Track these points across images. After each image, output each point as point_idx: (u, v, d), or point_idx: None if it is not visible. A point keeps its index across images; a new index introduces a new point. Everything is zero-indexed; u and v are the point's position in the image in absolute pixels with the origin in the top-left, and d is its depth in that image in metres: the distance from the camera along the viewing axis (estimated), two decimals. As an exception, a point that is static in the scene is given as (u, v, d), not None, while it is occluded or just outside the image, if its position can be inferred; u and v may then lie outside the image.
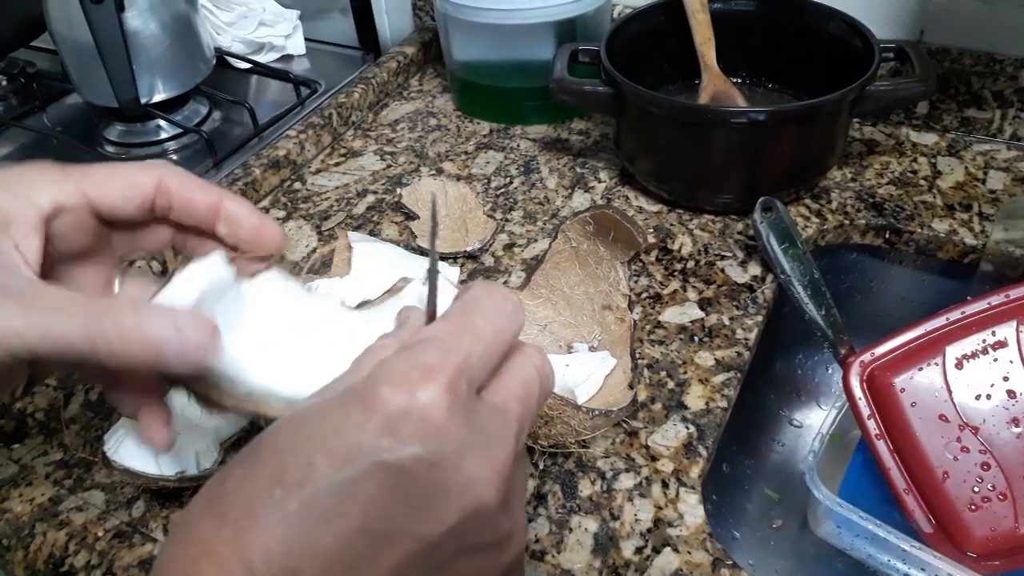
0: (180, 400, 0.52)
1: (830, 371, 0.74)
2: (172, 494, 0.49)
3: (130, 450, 0.46)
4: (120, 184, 0.38)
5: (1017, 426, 0.53)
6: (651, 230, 0.67)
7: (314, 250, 0.68)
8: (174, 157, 0.83)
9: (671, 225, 0.67)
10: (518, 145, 0.79)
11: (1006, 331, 0.54)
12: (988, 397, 0.53)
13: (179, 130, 0.84)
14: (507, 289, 0.32)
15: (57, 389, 0.57)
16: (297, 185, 0.76)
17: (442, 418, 0.26)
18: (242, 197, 0.41)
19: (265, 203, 0.74)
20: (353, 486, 0.25)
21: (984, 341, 0.54)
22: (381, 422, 0.26)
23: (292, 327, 0.43)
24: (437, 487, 0.26)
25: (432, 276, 0.32)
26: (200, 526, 0.26)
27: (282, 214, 0.73)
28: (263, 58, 0.98)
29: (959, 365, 0.54)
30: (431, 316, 0.32)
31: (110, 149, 0.85)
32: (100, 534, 0.47)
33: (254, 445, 0.28)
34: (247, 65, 0.95)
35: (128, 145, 0.85)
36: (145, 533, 0.47)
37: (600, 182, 0.73)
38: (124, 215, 0.38)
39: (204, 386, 0.40)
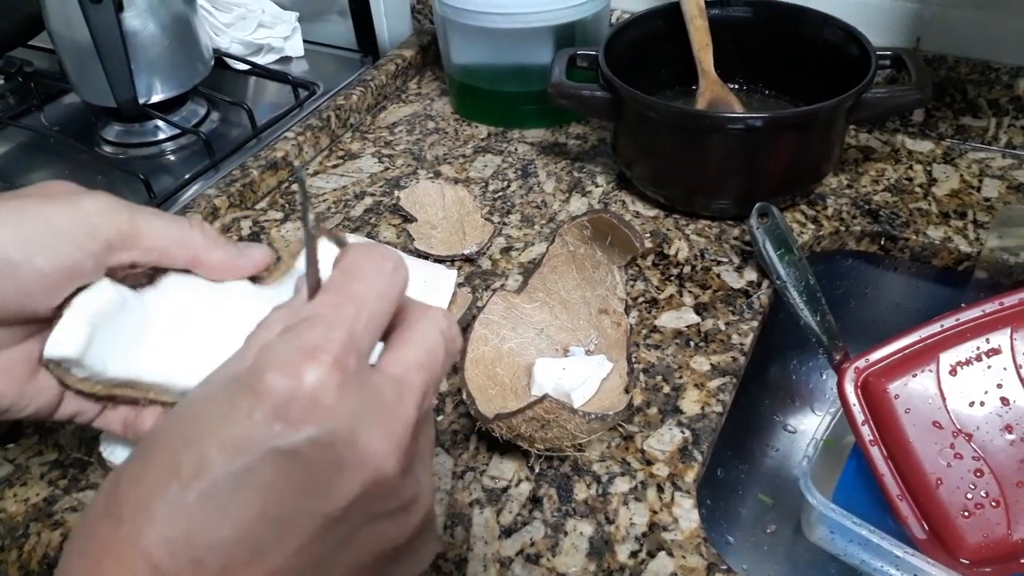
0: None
1: (824, 377, 0.74)
2: (167, 495, 0.49)
3: (126, 451, 0.46)
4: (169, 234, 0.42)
5: (1010, 433, 0.53)
6: (648, 235, 0.67)
7: (311, 252, 0.68)
8: (172, 158, 0.83)
9: (667, 230, 0.68)
10: (516, 149, 0.80)
11: (1000, 338, 0.54)
12: (982, 404, 0.53)
13: (177, 131, 0.84)
14: (385, 247, 0.31)
15: (53, 389, 0.57)
16: (295, 187, 0.76)
17: (331, 397, 0.26)
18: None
19: (263, 204, 0.74)
20: (249, 474, 0.25)
21: (978, 348, 0.54)
22: (270, 409, 0.26)
23: (205, 320, 0.43)
24: (333, 465, 0.26)
25: (310, 247, 0.30)
26: (99, 528, 0.26)
27: (279, 216, 0.73)
28: (261, 60, 0.98)
29: (953, 372, 0.54)
30: (313, 290, 0.31)
31: (108, 149, 0.85)
32: (95, 534, 0.47)
33: (145, 442, 0.27)
34: (245, 66, 0.95)
35: (126, 145, 0.85)
36: (140, 534, 0.47)
37: (597, 186, 0.73)
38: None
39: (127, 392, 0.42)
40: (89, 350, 0.40)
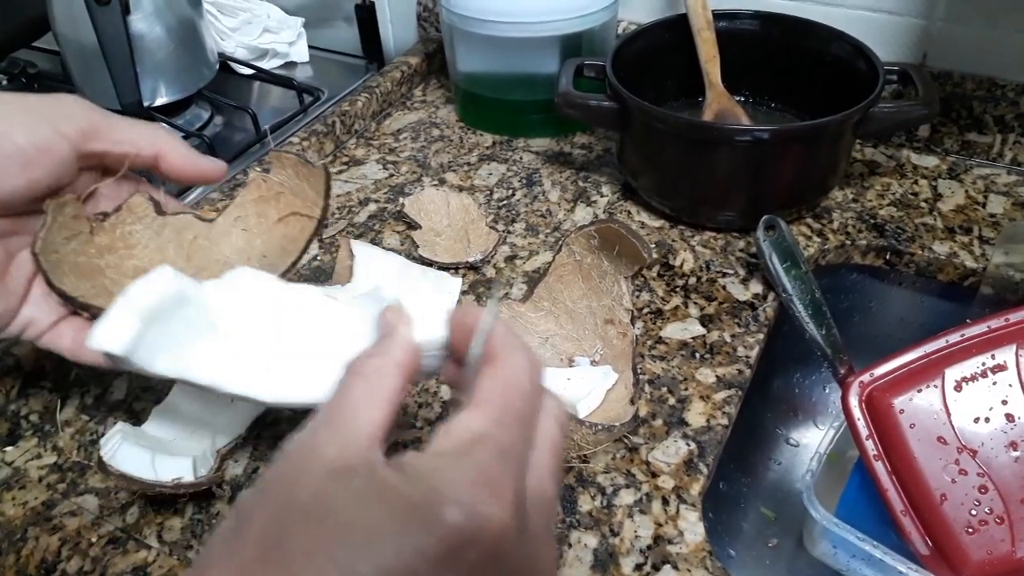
0: (183, 404, 0.52)
1: (827, 391, 0.74)
2: (167, 501, 0.48)
3: (127, 455, 0.46)
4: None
5: (1015, 450, 0.53)
6: (653, 245, 0.67)
7: (315, 257, 0.68)
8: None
9: (673, 241, 0.67)
10: (521, 158, 0.80)
11: (1005, 355, 0.54)
12: (987, 420, 0.53)
13: (181, 134, 0.84)
14: (531, 351, 0.30)
15: (52, 391, 0.57)
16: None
17: (511, 545, 0.24)
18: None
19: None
20: None
21: (983, 364, 0.54)
22: (446, 550, 0.23)
23: (267, 324, 0.40)
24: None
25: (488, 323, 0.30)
26: None
27: (283, 221, 0.73)
28: (266, 64, 0.98)
29: (958, 388, 0.54)
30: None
31: (111, 151, 0.84)
32: (94, 540, 0.47)
33: (277, 544, 0.24)
34: (250, 71, 0.95)
35: (129, 148, 0.84)
36: (139, 540, 0.47)
37: (602, 196, 0.73)
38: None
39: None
40: (139, 347, 0.37)
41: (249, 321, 0.40)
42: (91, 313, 0.45)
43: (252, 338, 0.40)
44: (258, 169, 0.56)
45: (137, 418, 0.54)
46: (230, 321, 0.40)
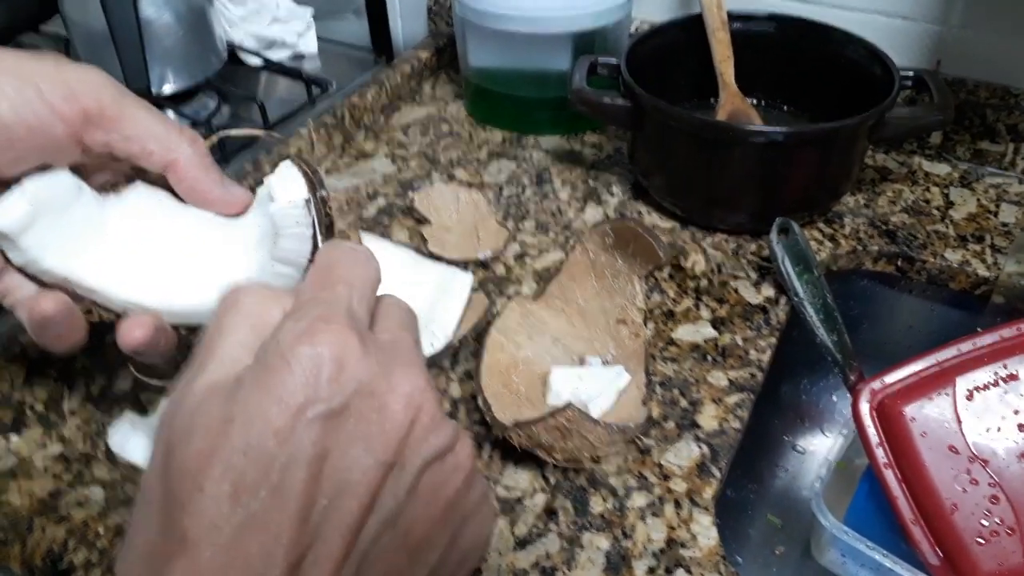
0: None
1: (835, 398, 0.74)
2: (174, 493, 0.48)
3: (136, 445, 0.45)
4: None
5: (1026, 460, 0.52)
6: (667, 243, 0.66)
7: (323, 251, 0.67)
8: (181, 150, 0.82)
9: (684, 242, 0.67)
10: (531, 155, 0.79)
11: (1017, 365, 0.54)
12: (998, 430, 0.53)
13: (187, 123, 0.83)
14: (352, 243, 0.33)
15: (58, 381, 0.56)
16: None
17: (357, 351, 0.27)
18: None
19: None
20: (311, 448, 0.25)
21: (996, 374, 0.54)
22: (304, 380, 0.26)
23: (159, 238, 0.43)
24: (377, 411, 0.27)
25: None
26: (169, 562, 0.25)
27: (291, 213, 0.72)
28: (274, 55, 0.97)
29: (970, 397, 0.54)
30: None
31: (116, 138, 0.84)
32: (101, 531, 0.46)
33: (166, 461, 0.26)
34: (259, 61, 0.94)
35: (135, 135, 0.84)
36: (146, 532, 0.46)
37: (613, 196, 0.73)
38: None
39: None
40: (28, 232, 0.39)
41: (140, 232, 0.42)
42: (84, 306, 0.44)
43: (142, 248, 0.42)
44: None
45: (144, 409, 0.54)
46: (122, 230, 0.42)
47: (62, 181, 0.40)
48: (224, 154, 0.78)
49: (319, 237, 0.40)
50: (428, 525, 0.28)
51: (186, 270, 0.43)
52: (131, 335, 0.41)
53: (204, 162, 0.42)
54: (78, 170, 0.42)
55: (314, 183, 0.41)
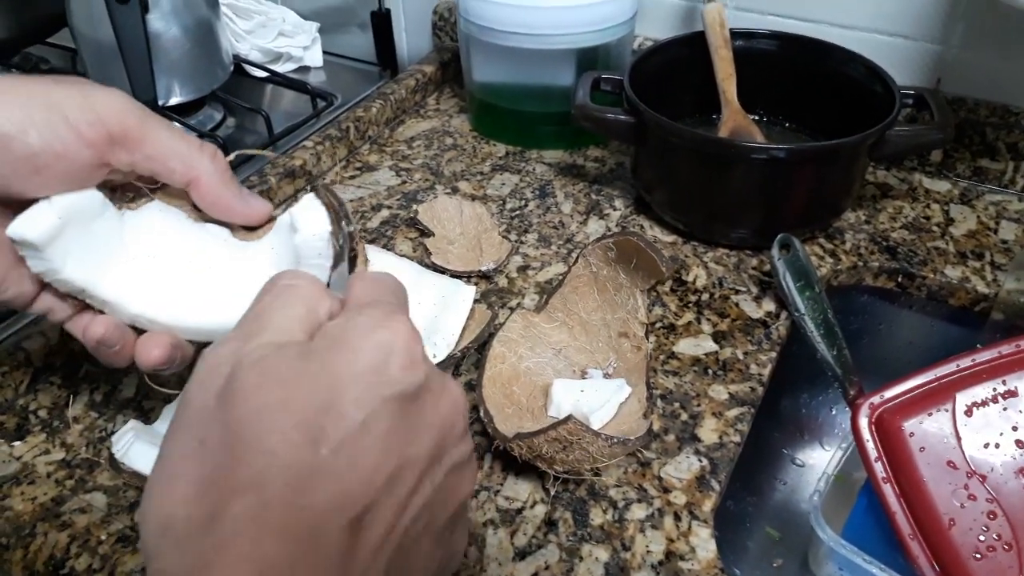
0: None
1: (834, 412, 0.74)
2: (176, 500, 0.48)
3: (139, 453, 0.45)
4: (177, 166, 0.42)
5: (1024, 476, 0.53)
6: (669, 258, 0.67)
7: (327, 261, 0.68)
8: (187, 161, 0.83)
9: (686, 256, 0.68)
10: (534, 169, 0.80)
11: (1016, 381, 0.54)
12: (997, 446, 0.53)
13: (193, 134, 0.84)
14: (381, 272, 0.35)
15: (62, 387, 0.56)
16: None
17: (422, 348, 0.29)
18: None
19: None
20: (385, 422, 0.27)
21: (994, 390, 0.54)
22: (380, 360, 0.28)
23: (177, 257, 0.44)
24: (431, 408, 0.29)
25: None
26: (234, 505, 0.25)
27: (295, 224, 0.72)
28: (280, 68, 0.98)
29: (968, 412, 0.54)
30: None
31: (123, 149, 0.84)
32: (103, 537, 0.46)
33: (226, 403, 0.26)
34: (264, 74, 0.95)
35: (141, 146, 0.84)
36: (148, 539, 0.46)
37: (615, 210, 0.73)
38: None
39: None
40: (54, 243, 0.41)
41: (157, 248, 0.44)
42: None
43: (157, 265, 0.44)
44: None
45: (147, 416, 0.54)
46: (139, 246, 0.44)
47: (88, 196, 0.42)
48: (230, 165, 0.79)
49: (343, 268, 0.43)
50: (445, 519, 0.30)
51: (200, 289, 0.44)
52: (149, 354, 0.43)
53: (224, 177, 0.43)
54: (101, 185, 0.43)
55: (339, 216, 0.42)
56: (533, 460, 0.47)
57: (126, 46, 0.75)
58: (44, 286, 0.44)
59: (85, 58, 0.82)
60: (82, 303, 0.45)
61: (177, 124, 0.84)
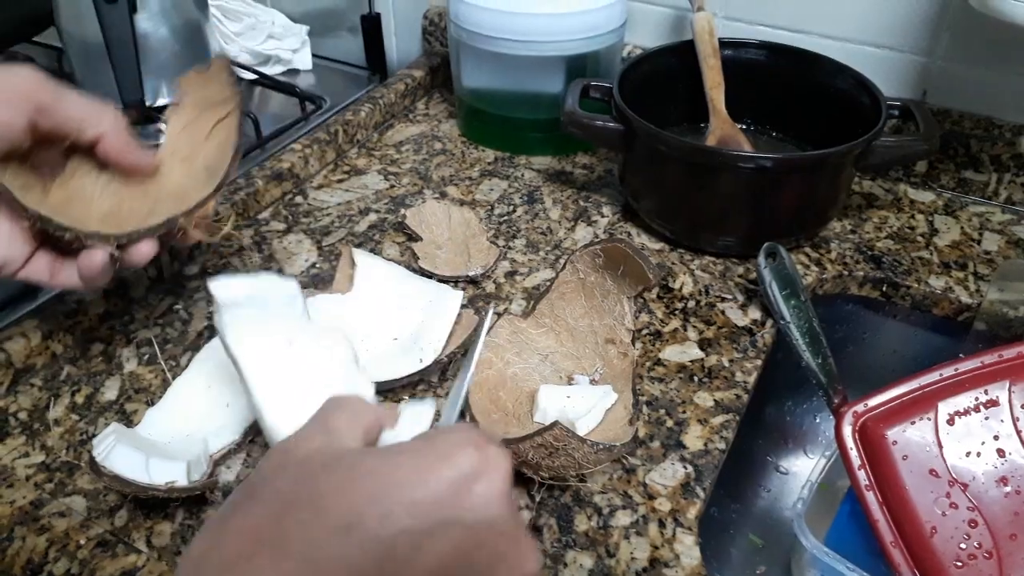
0: (177, 407, 0.52)
1: (818, 420, 0.75)
2: (158, 504, 0.48)
3: (120, 456, 0.45)
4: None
5: (1005, 485, 0.53)
6: (656, 265, 0.67)
7: (313, 264, 0.67)
8: (174, 162, 0.82)
9: (672, 264, 0.68)
10: (522, 175, 0.80)
11: (998, 391, 0.54)
12: (978, 455, 0.53)
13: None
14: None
15: (43, 389, 0.56)
16: (299, 199, 0.76)
17: (507, 485, 0.29)
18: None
19: (266, 214, 0.74)
20: (429, 538, 0.26)
21: (976, 399, 0.54)
22: (461, 480, 0.27)
23: (304, 367, 0.48)
24: (499, 556, 0.28)
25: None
26: (256, 559, 0.26)
27: (282, 227, 0.72)
28: (269, 70, 0.97)
29: (951, 421, 0.54)
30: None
31: (109, 149, 0.84)
32: (82, 542, 0.46)
33: (298, 492, 0.28)
34: (253, 76, 0.95)
35: (128, 147, 0.84)
36: (128, 543, 0.46)
37: (603, 216, 0.74)
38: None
39: None
40: (236, 308, 0.48)
41: (306, 356, 0.48)
42: (73, 234, 0.48)
43: (294, 370, 0.47)
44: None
45: (129, 420, 0.54)
46: (299, 348, 0.48)
47: (285, 288, 0.51)
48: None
49: None
50: None
51: (301, 400, 0.46)
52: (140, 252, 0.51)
53: (125, 131, 0.51)
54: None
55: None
56: (519, 466, 0.46)
57: (113, 46, 0.75)
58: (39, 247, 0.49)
59: (72, 57, 0.82)
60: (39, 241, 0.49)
61: (163, 124, 0.83)
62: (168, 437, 0.51)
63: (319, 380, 0.47)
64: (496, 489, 0.28)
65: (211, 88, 0.58)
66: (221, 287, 0.48)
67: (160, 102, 0.83)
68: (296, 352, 0.48)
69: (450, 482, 0.27)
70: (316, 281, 0.65)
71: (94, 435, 0.52)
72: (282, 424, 0.45)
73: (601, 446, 0.45)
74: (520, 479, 0.49)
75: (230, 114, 0.57)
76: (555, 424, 0.44)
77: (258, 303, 0.49)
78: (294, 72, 1.00)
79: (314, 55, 1.01)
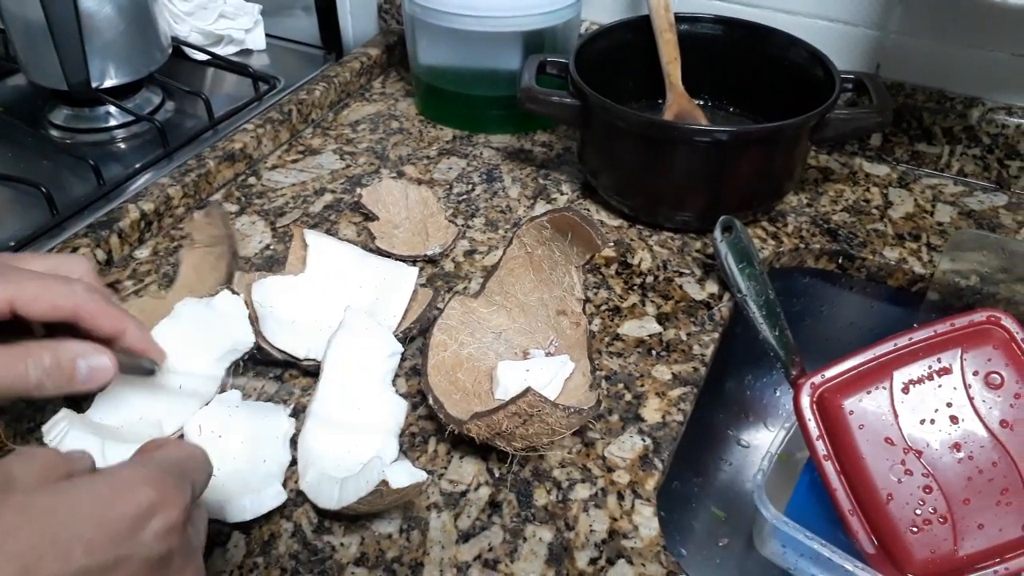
0: (128, 390, 0.51)
1: (777, 393, 0.75)
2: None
3: (75, 442, 0.44)
4: (45, 305, 0.41)
5: (959, 451, 0.54)
6: (611, 244, 0.67)
7: (268, 246, 0.66)
8: (123, 145, 0.80)
9: (631, 240, 0.68)
10: (481, 153, 0.79)
11: (950, 359, 0.55)
12: (932, 422, 0.54)
13: (130, 118, 0.81)
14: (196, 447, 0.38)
15: (-12, 377, 0.54)
16: (252, 180, 0.75)
17: (183, 519, 0.31)
18: (142, 324, 0.47)
19: (218, 196, 0.72)
20: (108, 574, 0.29)
21: (930, 367, 0.55)
22: (138, 517, 0.29)
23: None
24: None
25: None
26: None
27: (235, 208, 0.71)
28: (221, 51, 0.95)
29: (905, 390, 0.55)
30: None
31: (55, 133, 0.81)
32: (29, 530, 0.45)
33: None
34: (205, 56, 0.93)
35: (74, 130, 0.82)
36: (78, 530, 0.45)
37: (562, 194, 0.73)
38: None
39: None
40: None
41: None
42: None
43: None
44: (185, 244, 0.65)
45: (78, 405, 0.52)
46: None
47: (393, 347, 0.54)
48: (167, 150, 0.77)
49: None
50: None
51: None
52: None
53: (147, 334, 0.48)
54: None
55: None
56: (492, 439, 0.46)
57: (56, 26, 0.73)
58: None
59: (13, 38, 0.79)
60: None
61: (111, 107, 0.82)
62: (120, 421, 0.49)
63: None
64: (171, 523, 0.30)
65: (210, 229, 0.64)
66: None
67: (107, 83, 0.80)
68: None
69: (128, 518, 0.29)
70: (271, 263, 0.64)
71: (42, 422, 0.50)
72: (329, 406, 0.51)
73: (572, 409, 0.45)
74: (480, 456, 0.49)
75: (226, 251, 0.62)
76: (528, 390, 0.44)
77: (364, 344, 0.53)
78: (247, 52, 0.98)
79: (268, 35, 0.99)
